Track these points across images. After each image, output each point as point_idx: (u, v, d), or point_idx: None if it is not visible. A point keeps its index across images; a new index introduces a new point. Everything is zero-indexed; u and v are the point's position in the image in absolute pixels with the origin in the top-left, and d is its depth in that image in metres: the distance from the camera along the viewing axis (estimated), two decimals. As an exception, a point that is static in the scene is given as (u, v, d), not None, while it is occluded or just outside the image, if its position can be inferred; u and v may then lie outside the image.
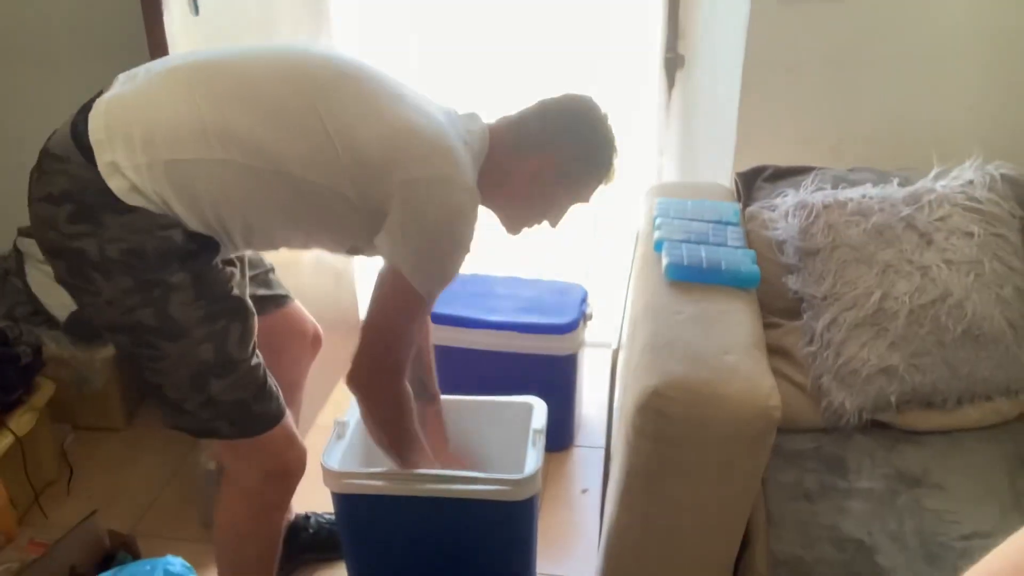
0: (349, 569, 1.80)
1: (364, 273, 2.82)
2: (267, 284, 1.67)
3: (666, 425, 1.28)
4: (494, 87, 2.53)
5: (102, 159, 1.27)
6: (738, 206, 1.84)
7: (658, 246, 1.67)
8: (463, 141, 1.41)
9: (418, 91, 1.45)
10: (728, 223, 1.74)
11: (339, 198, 1.34)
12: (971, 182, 1.69)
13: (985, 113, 2.08)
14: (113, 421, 2.39)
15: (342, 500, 1.70)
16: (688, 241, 1.67)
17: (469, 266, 2.41)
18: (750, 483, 1.33)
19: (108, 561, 1.77)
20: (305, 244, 1.51)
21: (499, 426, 1.85)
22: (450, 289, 2.25)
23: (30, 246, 2.31)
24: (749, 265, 1.58)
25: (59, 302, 2.25)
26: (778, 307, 1.67)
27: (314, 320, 1.79)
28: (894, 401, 1.50)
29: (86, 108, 1.32)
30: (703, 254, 1.60)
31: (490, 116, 1.52)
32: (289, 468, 1.51)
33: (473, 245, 1.41)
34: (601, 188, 1.56)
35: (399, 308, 1.42)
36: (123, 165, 1.27)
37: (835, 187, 1.74)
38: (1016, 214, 1.67)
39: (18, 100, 2.40)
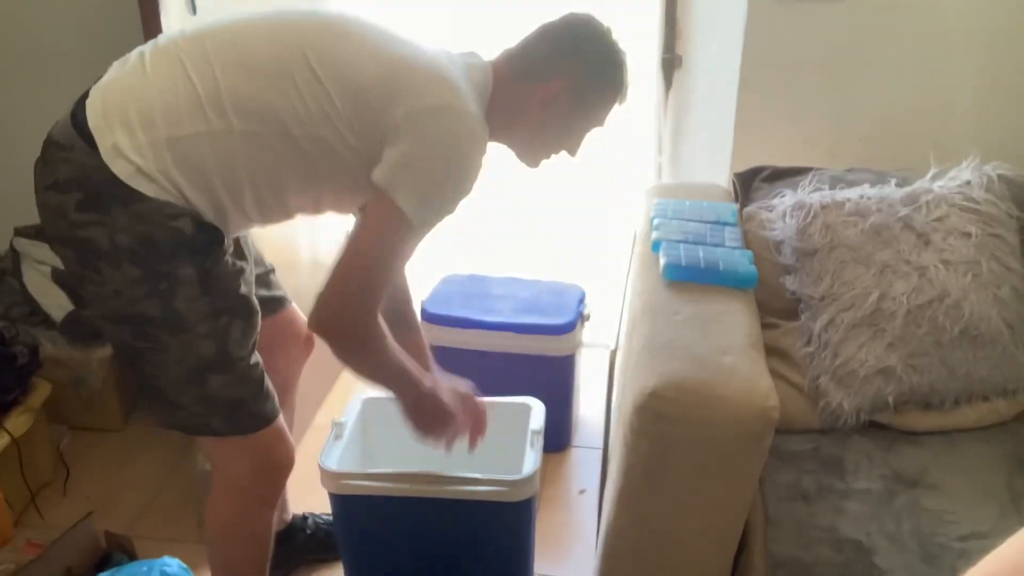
0: (346, 570, 1.80)
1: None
2: (267, 285, 1.67)
3: (664, 426, 1.28)
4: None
5: (104, 144, 1.27)
6: (736, 207, 1.84)
7: (656, 246, 1.67)
8: (465, 76, 1.37)
9: (408, 36, 1.41)
10: (726, 223, 1.74)
11: (343, 149, 1.32)
12: (968, 183, 1.69)
13: (982, 114, 2.08)
14: (110, 422, 2.38)
15: (339, 501, 1.69)
16: (686, 242, 1.67)
17: (467, 266, 2.43)
18: (748, 484, 1.33)
19: (104, 562, 1.77)
20: (317, 206, 1.46)
21: (497, 427, 1.85)
22: (448, 290, 2.28)
23: (27, 246, 2.31)
24: (747, 266, 1.58)
25: (56, 302, 2.24)
26: (776, 307, 1.67)
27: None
28: (892, 402, 1.50)
29: (85, 96, 1.32)
30: (701, 255, 1.60)
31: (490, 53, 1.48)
32: (277, 464, 1.51)
33: (478, 181, 1.35)
34: (616, 108, 1.50)
35: (384, 239, 1.33)
36: (125, 148, 1.27)
37: (833, 187, 1.74)
38: (1013, 214, 1.67)
39: (14, 100, 2.40)
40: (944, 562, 1.27)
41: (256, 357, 1.43)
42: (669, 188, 2.07)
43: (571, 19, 1.46)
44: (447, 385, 1.62)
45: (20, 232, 2.34)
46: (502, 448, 1.81)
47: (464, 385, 1.67)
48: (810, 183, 1.78)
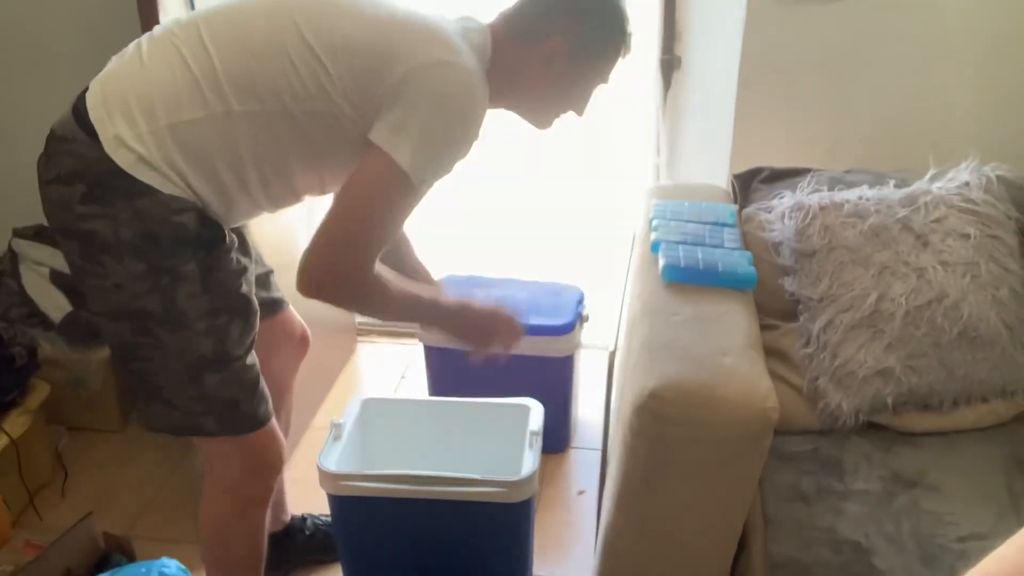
0: (345, 571, 1.80)
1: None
2: (267, 287, 1.67)
3: (663, 426, 1.28)
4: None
5: (105, 135, 1.27)
6: (735, 208, 1.84)
7: (655, 248, 1.67)
8: (463, 39, 1.35)
9: (401, 2, 1.38)
10: (724, 225, 1.74)
11: (343, 122, 1.31)
12: (967, 184, 1.69)
13: (981, 115, 2.08)
14: (108, 423, 2.38)
15: (338, 502, 1.69)
16: (685, 243, 1.67)
17: (466, 267, 2.43)
18: (747, 485, 1.33)
19: (103, 563, 1.77)
20: (323, 185, 1.45)
21: (496, 428, 1.85)
22: (446, 291, 2.27)
23: (25, 247, 2.31)
24: (746, 267, 1.59)
25: (54, 304, 2.24)
26: (775, 309, 1.67)
27: (302, 322, 1.78)
28: (890, 403, 1.50)
29: (85, 91, 1.33)
30: (700, 256, 1.60)
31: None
32: (268, 463, 1.50)
33: (478, 137, 1.32)
34: (620, 62, 1.47)
35: (376, 193, 1.29)
36: (126, 137, 1.27)
37: (831, 189, 1.74)
38: (1012, 216, 1.68)
39: (14, 101, 2.40)
40: (943, 563, 1.27)
41: (252, 358, 1.43)
42: (668, 189, 2.07)
43: None
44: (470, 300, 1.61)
45: (19, 233, 2.34)
46: (501, 449, 1.81)
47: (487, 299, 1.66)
48: (809, 184, 1.78)
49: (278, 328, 1.71)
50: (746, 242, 1.73)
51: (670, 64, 2.35)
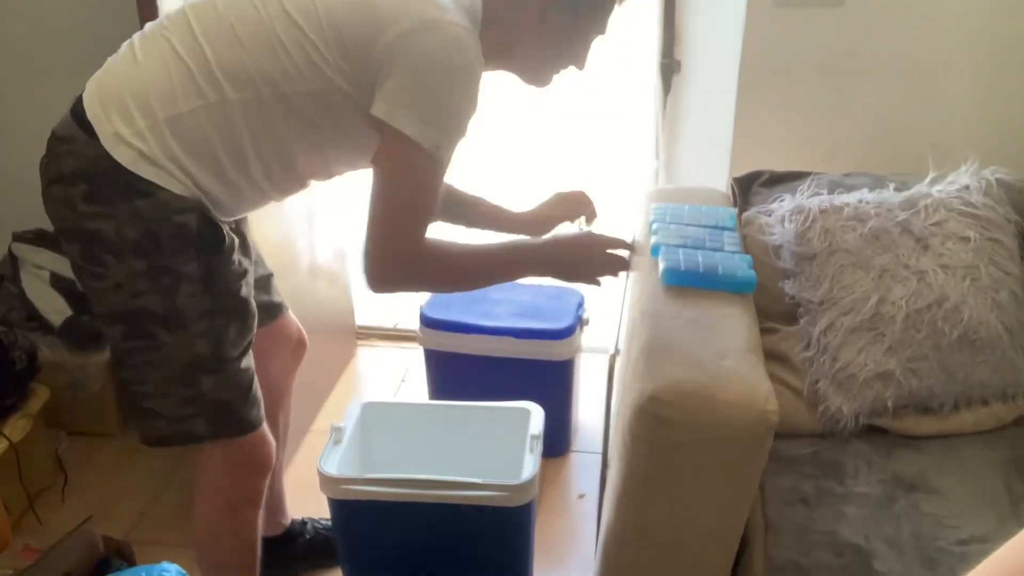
0: (345, 575, 1.80)
1: (361, 277, 2.82)
2: (268, 290, 1.67)
3: (663, 430, 1.28)
4: (492, 97, 2.53)
5: (104, 133, 1.27)
6: (734, 211, 1.84)
7: (655, 251, 1.67)
8: (452, 2, 1.30)
9: None
10: (724, 228, 1.74)
11: (341, 100, 1.29)
12: (967, 187, 1.69)
13: (981, 118, 2.09)
14: (108, 427, 2.38)
15: (338, 506, 1.69)
16: (685, 246, 1.66)
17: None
18: (747, 488, 1.33)
19: (103, 568, 1.76)
20: (328, 169, 1.44)
21: (496, 432, 1.85)
22: (446, 295, 2.28)
23: (25, 251, 2.31)
24: (746, 270, 1.58)
25: (54, 308, 2.24)
26: (775, 312, 1.67)
27: (299, 325, 1.78)
28: (891, 406, 1.50)
29: (84, 92, 1.33)
30: (700, 259, 1.60)
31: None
32: (258, 463, 1.50)
33: (481, 97, 1.30)
34: (616, 10, 1.43)
35: (403, 177, 1.29)
36: (125, 134, 1.27)
37: (831, 192, 1.74)
38: (1011, 219, 1.68)
39: (13, 106, 2.40)
40: (944, 566, 1.27)
41: (248, 361, 1.43)
42: (668, 192, 2.07)
43: None
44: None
45: (19, 237, 2.34)
46: (501, 453, 1.81)
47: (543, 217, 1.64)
48: (809, 188, 1.78)
49: (277, 331, 1.71)
50: (746, 245, 1.73)
51: (670, 68, 2.36)
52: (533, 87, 1.48)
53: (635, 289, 1.68)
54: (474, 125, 1.32)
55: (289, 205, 2.12)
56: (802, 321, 1.62)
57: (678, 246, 1.66)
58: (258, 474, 1.52)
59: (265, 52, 1.28)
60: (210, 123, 1.29)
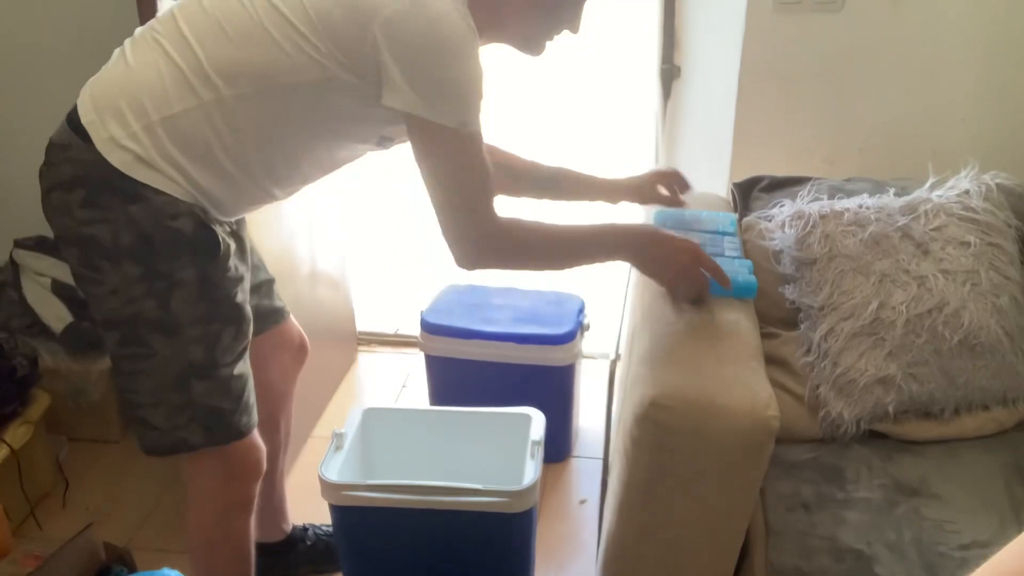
0: (346, 581, 1.80)
1: (361, 283, 2.82)
2: (269, 296, 1.67)
3: (664, 435, 1.28)
4: (492, 101, 2.54)
5: (99, 137, 1.27)
6: (735, 216, 1.85)
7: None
8: None
9: None
10: (725, 233, 1.74)
11: (339, 89, 1.29)
12: (967, 192, 1.70)
13: (980, 123, 2.09)
14: (109, 433, 2.38)
15: (340, 512, 1.69)
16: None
17: (466, 277, 2.43)
18: (749, 493, 1.33)
19: (104, 574, 1.76)
20: (332, 159, 1.44)
21: (497, 437, 1.85)
22: (448, 300, 2.28)
23: (26, 258, 2.31)
24: (746, 275, 1.58)
25: (55, 314, 2.24)
26: (775, 317, 1.68)
27: (301, 330, 1.78)
28: (891, 411, 1.50)
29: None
30: (700, 264, 1.60)
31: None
32: (247, 468, 1.50)
33: (483, 62, 1.28)
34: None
35: (452, 164, 1.30)
36: (120, 137, 1.27)
37: (831, 197, 1.75)
38: (1012, 223, 1.68)
39: (13, 112, 2.40)
40: (945, 571, 1.27)
41: (242, 368, 1.43)
42: (668, 198, 2.07)
43: None
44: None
45: (20, 244, 2.34)
46: (502, 459, 1.81)
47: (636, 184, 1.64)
48: (809, 193, 1.78)
49: (278, 337, 1.71)
50: (746, 250, 1.73)
51: (670, 73, 2.36)
52: (528, 56, 1.45)
53: (636, 294, 1.68)
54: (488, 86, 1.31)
55: (289, 212, 2.12)
56: (802, 326, 1.62)
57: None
58: (249, 480, 1.51)
59: (256, 47, 1.27)
60: (206, 122, 1.28)
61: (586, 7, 1.40)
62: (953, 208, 1.66)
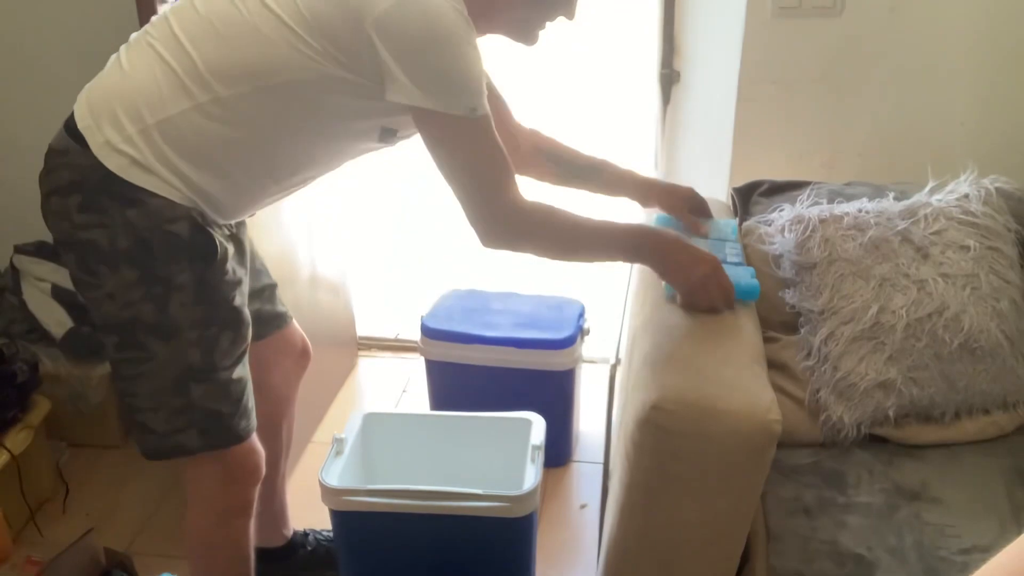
0: (347, 586, 1.79)
1: (362, 288, 2.82)
2: (272, 300, 1.67)
3: (665, 439, 1.28)
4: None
5: (95, 142, 1.28)
6: (735, 222, 1.85)
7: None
8: None
9: None
10: (726, 239, 1.74)
11: (337, 84, 1.28)
12: (966, 196, 1.70)
13: (980, 127, 2.09)
14: (109, 438, 2.38)
15: (340, 517, 1.69)
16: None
17: (468, 281, 2.43)
18: (750, 498, 1.33)
19: (104, 579, 1.77)
20: (333, 154, 1.43)
21: (497, 442, 1.85)
22: (448, 305, 2.29)
23: (26, 263, 2.31)
24: (748, 279, 1.59)
25: (55, 319, 2.24)
26: (775, 321, 1.68)
27: (303, 334, 1.78)
28: (892, 415, 1.50)
29: None
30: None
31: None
32: (246, 472, 1.50)
33: (478, 46, 1.28)
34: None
35: (469, 150, 1.31)
36: (115, 141, 1.27)
37: (831, 201, 1.75)
38: (1011, 227, 1.68)
39: (12, 119, 2.40)
40: (946, 575, 1.27)
41: (240, 371, 1.43)
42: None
43: None
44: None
45: (20, 249, 2.34)
46: (503, 463, 1.81)
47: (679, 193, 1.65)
48: (808, 197, 1.79)
49: (281, 342, 1.71)
50: (746, 255, 1.74)
51: (669, 78, 2.36)
52: (523, 45, 1.44)
53: (636, 299, 1.68)
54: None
55: (290, 216, 2.12)
56: (802, 330, 1.62)
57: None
58: (248, 484, 1.51)
59: (250, 47, 1.27)
60: (202, 122, 1.28)
61: None
62: (952, 212, 1.66)
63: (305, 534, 1.96)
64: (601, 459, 1.83)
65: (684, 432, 1.27)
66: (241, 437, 1.44)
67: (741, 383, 1.32)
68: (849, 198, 1.77)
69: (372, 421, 1.86)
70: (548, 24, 1.41)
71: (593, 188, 1.71)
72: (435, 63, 1.25)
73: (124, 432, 2.41)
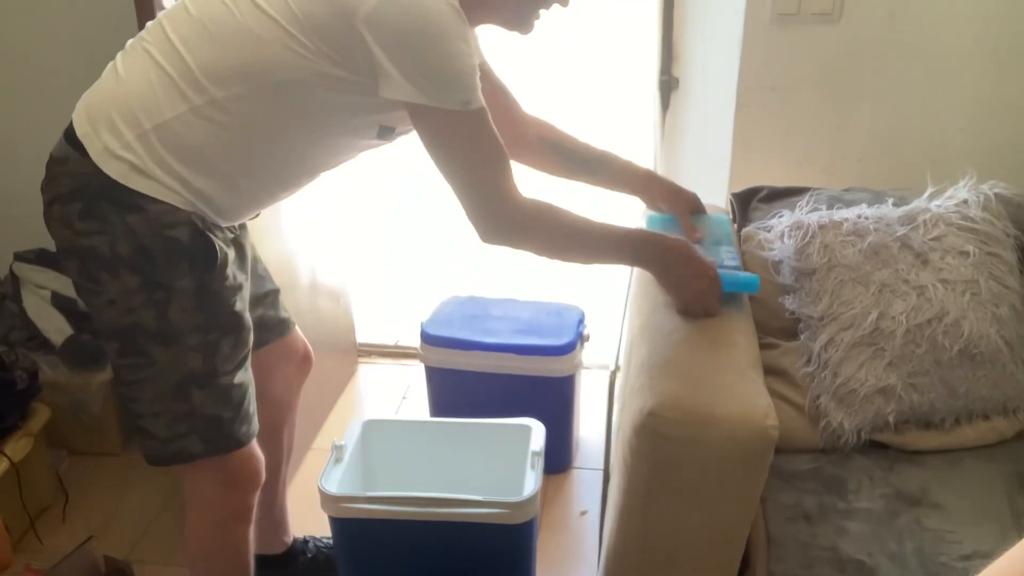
0: (347, 594, 1.79)
1: (362, 295, 2.83)
2: (275, 306, 1.67)
3: (663, 446, 1.28)
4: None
5: (94, 148, 1.28)
6: (727, 217, 1.85)
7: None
8: None
9: None
10: (721, 244, 1.74)
11: (331, 82, 1.28)
12: (965, 201, 1.70)
13: (979, 133, 2.09)
14: (109, 446, 2.38)
15: (340, 524, 1.69)
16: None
17: (467, 288, 2.43)
18: (749, 504, 1.33)
19: (104, 587, 1.76)
20: (331, 152, 1.43)
21: (497, 448, 1.85)
22: (448, 311, 2.29)
23: (26, 271, 2.32)
24: (747, 275, 1.58)
25: (55, 327, 2.24)
26: (775, 327, 1.68)
27: (305, 340, 1.78)
28: (892, 421, 1.50)
29: None
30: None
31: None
32: (245, 477, 1.50)
33: (470, 40, 1.27)
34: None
35: (467, 145, 1.31)
36: (114, 147, 1.28)
37: (830, 207, 1.75)
38: (1010, 233, 1.68)
39: (12, 126, 2.41)
40: (947, 582, 1.27)
41: (241, 377, 1.43)
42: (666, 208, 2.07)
43: None
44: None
45: (20, 257, 2.35)
46: (503, 470, 1.81)
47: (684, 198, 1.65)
48: (807, 203, 1.79)
49: (283, 347, 1.71)
50: (745, 261, 1.74)
51: (668, 85, 2.37)
52: (517, 34, 1.43)
53: (635, 305, 1.68)
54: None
55: (290, 223, 2.13)
56: (802, 336, 1.62)
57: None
58: (248, 490, 1.51)
59: (243, 48, 1.27)
60: (199, 125, 1.28)
61: None
62: (952, 218, 1.66)
63: (305, 541, 1.95)
64: (601, 465, 1.83)
65: (681, 438, 1.27)
66: (241, 442, 1.44)
67: (738, 389, 1.32)
68: (848, 204, 1.77)
69: (372, 428, 1.86)
70: (543, 12, 1.41)
71: (598, 181, 1.71)
72: (427, 57, 1.24)
73: (124, 440, 2.41)
